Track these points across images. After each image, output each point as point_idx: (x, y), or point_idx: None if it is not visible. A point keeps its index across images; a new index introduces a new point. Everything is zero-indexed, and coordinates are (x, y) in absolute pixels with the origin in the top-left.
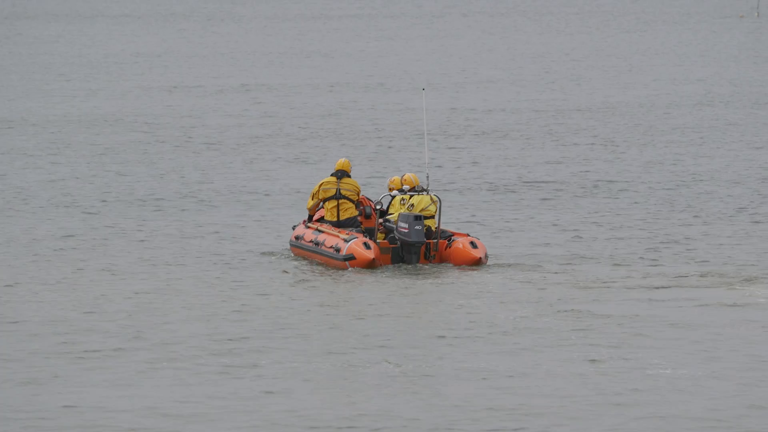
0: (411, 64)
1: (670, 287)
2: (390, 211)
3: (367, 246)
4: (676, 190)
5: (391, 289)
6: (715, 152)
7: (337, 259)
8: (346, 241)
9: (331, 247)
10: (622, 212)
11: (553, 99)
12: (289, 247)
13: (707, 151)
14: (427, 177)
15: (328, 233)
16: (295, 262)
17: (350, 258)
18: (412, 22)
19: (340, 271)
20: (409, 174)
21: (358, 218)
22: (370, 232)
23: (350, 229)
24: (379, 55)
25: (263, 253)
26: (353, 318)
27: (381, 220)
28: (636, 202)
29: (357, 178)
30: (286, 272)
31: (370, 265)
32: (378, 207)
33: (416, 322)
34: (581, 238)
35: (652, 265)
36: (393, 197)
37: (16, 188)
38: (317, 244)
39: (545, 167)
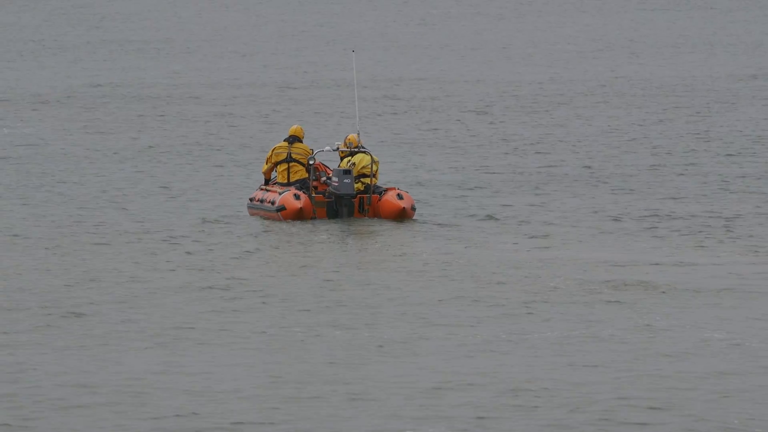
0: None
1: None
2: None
3: (296, 197)
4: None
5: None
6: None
7: (272, 211)
8: (279, 194)
9: (269, 201)
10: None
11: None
12: (246, 209)
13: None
14: (358, 134)
15: (270, 191)
16: (242, 222)
17: (281, 209)
18: None
19: (272, 227)
20: (353, 134)
21: (310, 181)
22: (319, 194)
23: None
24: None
25: (221, 217)
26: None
27: (325, 178)
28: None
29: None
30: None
31: (299, 215)
32: (312, 161)
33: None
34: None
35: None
36: (341, 158)
37: None
38: (262, 201)
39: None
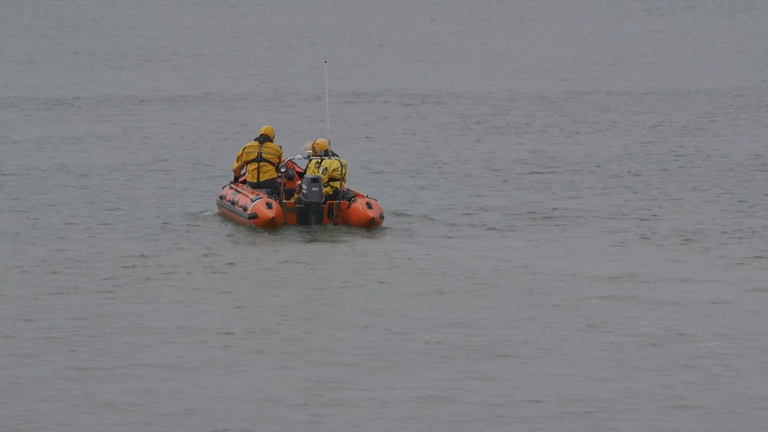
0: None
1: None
2: (307, 173)
3: (268, 206)
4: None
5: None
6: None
7: (244, 217)
8: (252, 201)
9: (241, 206)
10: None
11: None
12: (216, 206)
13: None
14: (329, 142)
15: (242, 193)
16: (213, 222)
17: (254, 217)
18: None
19: (244, 233)
20: (321, 139)
21: (278, 179)
22: (290, 193)
23: (265, 190)
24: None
25: (183, 214)
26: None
27: (298, 183)
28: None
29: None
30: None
31: (271, 224)
32: (282, 168)
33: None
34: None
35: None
36: (310, 160)
37: None
38: (233, 203)
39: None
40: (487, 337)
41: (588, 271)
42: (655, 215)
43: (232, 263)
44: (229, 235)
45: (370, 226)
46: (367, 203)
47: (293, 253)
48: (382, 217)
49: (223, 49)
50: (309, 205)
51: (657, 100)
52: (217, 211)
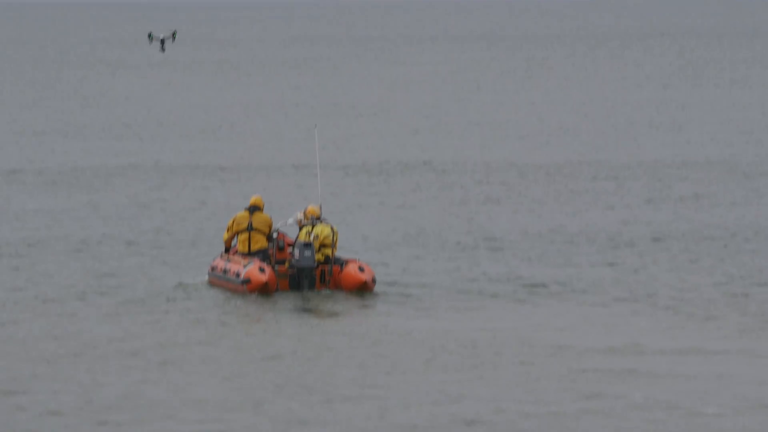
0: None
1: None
2: (298, 239)
3: (261, 270)
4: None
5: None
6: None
7: (236, 283)
8: (245, 266)
9: (234, 273)
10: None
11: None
12: (207, 277)
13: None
14: (320, 207)
15: (234, 261)
16: (205, 292)
17: (247, 282)
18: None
19: (236, 302)
20: (313, 206)
21: (270, 250)
22: (281, 263)
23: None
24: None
25: (176, 285)
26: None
27: (290, 249)
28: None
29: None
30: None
31: (264, 288)
32: (275, 233)
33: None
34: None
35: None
36: (301, 228)
37: None
38: (225, 272)
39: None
40: (483, 411)
41: (584, 342)
42: (652, 286)
43: (224, 336)
44: (220, 305)
45: (363, 289)
46: (359, 267)
47: (286, 323)
48: (374, 280)
49: (218, 120)
50: (301, 270)
51: (652, 170)
52: (208, 281)
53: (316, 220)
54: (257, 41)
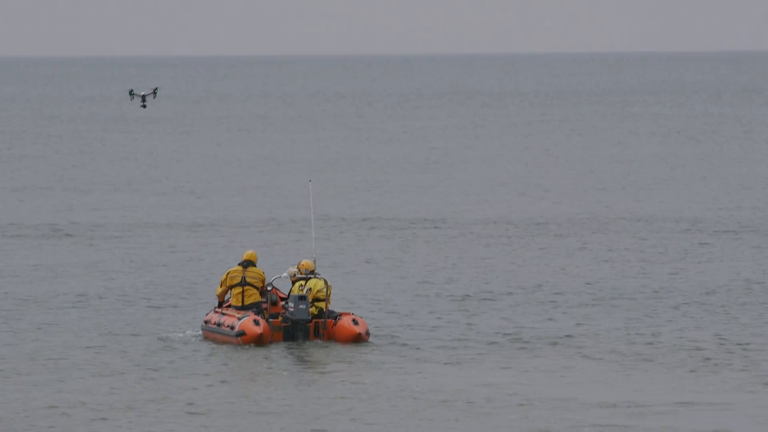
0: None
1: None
2: (292, 293)
3: (256, 323)
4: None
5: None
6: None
7: (231, 335)
8: (239, 319)
9: (228, 326)
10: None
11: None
12: (200, 331)
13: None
14: (314, 260)
15: (228, 315)
16: (199, 345)
17: (241, 334)
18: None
19: (230, 356)
20: (307, 260)
21: (263, 305)
22: (274, 317)
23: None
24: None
25: (170, 339)
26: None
27: (283, 303)
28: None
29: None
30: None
31: (259, 340)
32: (269, 288)
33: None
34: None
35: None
36: (294, 283)
37: None
38: (219, 324)
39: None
40: None
41: (583, 397)
42: (650, 341)
43: (218, 388)
44: (214, 358)
45: (357, 341)
46: (353, 320)
47: (281, 376)
48: (368, 333)
49: (212, 176)
50: (296, 323)
51: (650, 225)
52: (202, 334)
53: (310, 273)
54: (250, 96)
